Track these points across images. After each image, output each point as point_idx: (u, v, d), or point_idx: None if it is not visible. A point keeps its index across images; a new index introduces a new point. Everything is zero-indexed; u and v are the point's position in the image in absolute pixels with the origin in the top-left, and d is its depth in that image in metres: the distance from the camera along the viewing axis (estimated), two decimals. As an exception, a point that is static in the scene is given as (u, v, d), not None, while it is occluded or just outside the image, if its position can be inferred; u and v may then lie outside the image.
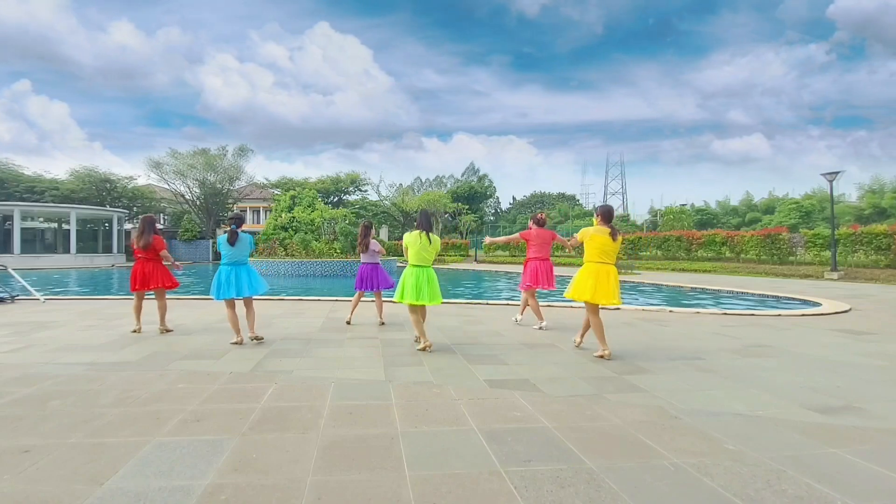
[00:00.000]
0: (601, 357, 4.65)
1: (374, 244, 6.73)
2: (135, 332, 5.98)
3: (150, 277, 6.06)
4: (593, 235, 4.71)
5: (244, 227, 5.68)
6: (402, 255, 5.93)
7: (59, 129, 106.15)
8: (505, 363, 4.52)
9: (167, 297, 6.33)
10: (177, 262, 6.48)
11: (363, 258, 6.82)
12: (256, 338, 5.38)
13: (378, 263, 6.86)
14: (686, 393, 3.61)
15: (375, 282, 6.71)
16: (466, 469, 2.32)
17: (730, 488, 2.15)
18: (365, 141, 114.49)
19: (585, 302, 4.76)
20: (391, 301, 6.18)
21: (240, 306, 5.47)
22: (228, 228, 5.44)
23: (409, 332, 6.10)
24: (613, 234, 4.68)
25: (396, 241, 41.63)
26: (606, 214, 4.81)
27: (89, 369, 4.23)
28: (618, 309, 8.47)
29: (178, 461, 2.38)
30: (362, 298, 6.99)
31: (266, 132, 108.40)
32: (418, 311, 5.10)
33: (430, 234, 5.07)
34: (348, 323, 6.66)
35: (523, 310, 6.89)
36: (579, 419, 3.03)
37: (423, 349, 4.96)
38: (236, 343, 5.25)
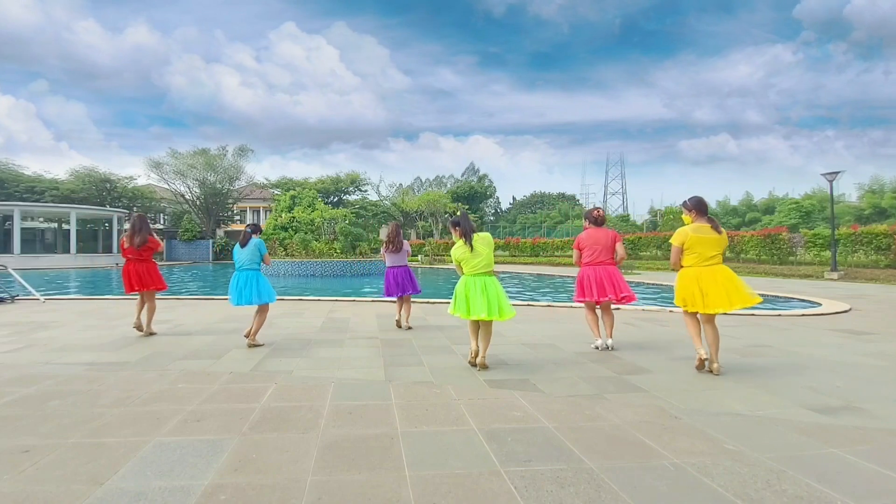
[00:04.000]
0: (702, 362, 4.10)
1: (406, 244, 6.46)
2: (145, 333, 5.83)
3: (147, 277, 5.88)
4: (692, 237, 4.00)
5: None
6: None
7: (76, 129, 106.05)
8: (505, 363, 4.52)
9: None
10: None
11: (390, 260, 6.45)
12: (254, 344, 5.19)
13: (407, 265, 6.55)
14: (686, 393, 3.61)
15: (408, 285, 6.39)
16: (466, 469, 2.32)
17: (730, 488, 2.15)
18: (381, 141, 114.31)
19: (686, 310, 4.15)
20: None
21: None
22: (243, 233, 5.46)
23: (410, 333, 6.10)
24: (716, 228, 3.99)
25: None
26: (700, 206, 4.07)
27: (89, 369, 4.23)
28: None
29: (178, 461, 2.38)
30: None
31: (282, 132, 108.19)
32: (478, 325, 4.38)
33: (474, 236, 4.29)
34: (409, 327, 6.30)
35: (596, 330, 5.22)
36: (579, 419, 3.03)
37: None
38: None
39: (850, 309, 8.62)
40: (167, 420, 2.96)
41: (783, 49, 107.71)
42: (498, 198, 66.51)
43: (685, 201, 4.19)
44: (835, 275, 16.42)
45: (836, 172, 17.22)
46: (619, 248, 5.10)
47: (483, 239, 4.26)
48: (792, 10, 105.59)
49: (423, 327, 6.50)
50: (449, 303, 4.49)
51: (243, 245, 5.38)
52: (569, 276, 18.83)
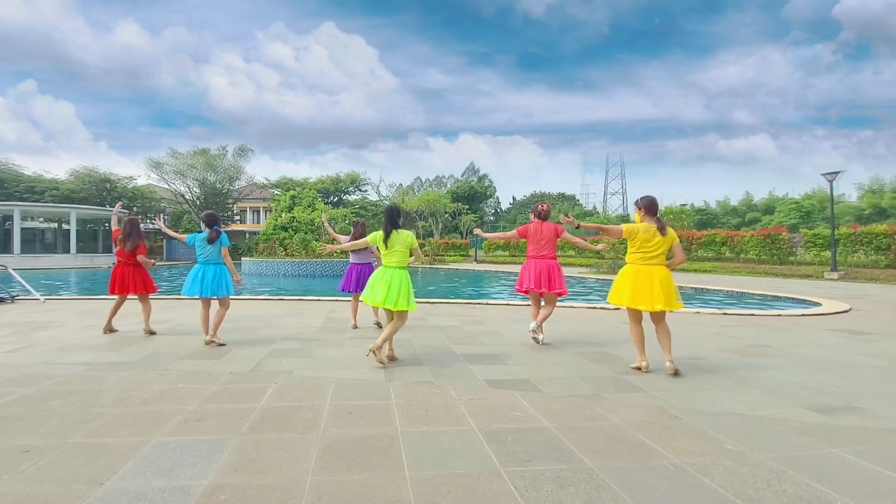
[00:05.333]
0: (637, 369, 4.22)
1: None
2: (107, 332, 5.98)
3: (132, 282, 6.07)
4: (641, 236, 4.13)
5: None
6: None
7: (65, 129, 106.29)
8: (505, 363, 4.52)
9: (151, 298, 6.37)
10: (152, 261, 6.42)
11: (354, 257, 6.57)
12: (213, 341, 5.21)
13: (371, 263, 6.55)
14: (686, 393, 3.61)
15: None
16: (466, 469, 2.32)
17: (730, 488, 2.15)
18: (370, 141, 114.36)
19: (627, 308, 4.27)
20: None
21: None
22: (210, 229, 5.40)
23: (410, 333, 6.10)
24: (662, 230, 4.07)
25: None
26: (650, 206, 4.16)
27: (89, 369, 4.23)
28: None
29: (178, 461, 2.38)
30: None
31: (271, 132, 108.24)
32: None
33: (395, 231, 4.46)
34: (355, 327, 6.36)
35: (539, 320, 5.42)
36: (579, 419, 3.03)
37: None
38: (206, 342, 5.29)
39: (850, 309, 8.62)
40: (167, 420, 2.96)
41: (772, 49, 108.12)
42: (498, 198, 66.54)
43: (637, 199, 4.29)
44: (835, 275, 16.41)
45: (836, 172, 17.21)
46: (573, 238, 5.52)
47: (401, 237, 4.42)
48: (780, 11, 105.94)
49: (423, 327, 6.50)
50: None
51: (212, 242, 5.40)
52: (569, 277, 18.84)
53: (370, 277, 4.55)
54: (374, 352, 4.26)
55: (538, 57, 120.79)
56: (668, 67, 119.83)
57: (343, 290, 6.54)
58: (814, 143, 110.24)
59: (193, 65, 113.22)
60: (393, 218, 4.45)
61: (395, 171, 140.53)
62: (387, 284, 4.30)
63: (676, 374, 4.03)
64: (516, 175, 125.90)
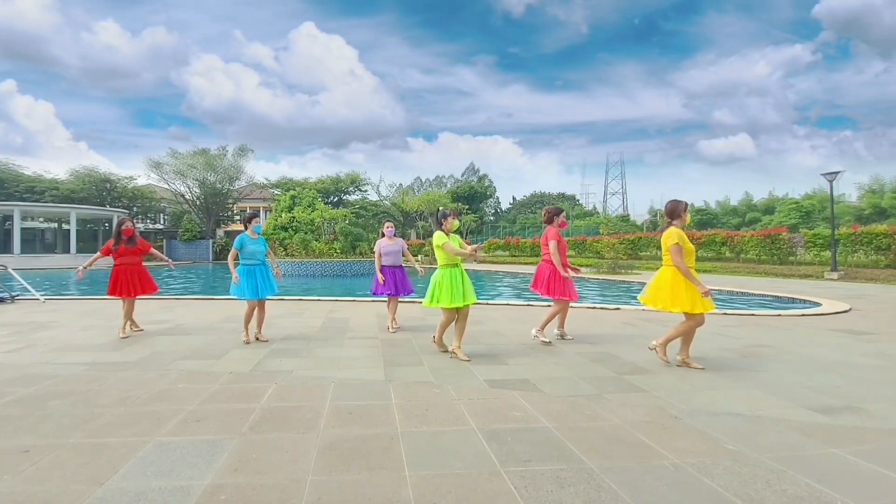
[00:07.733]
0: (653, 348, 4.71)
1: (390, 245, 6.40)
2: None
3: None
4: None
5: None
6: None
7: (45, 129, 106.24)
8: (505, 363, 4.51)
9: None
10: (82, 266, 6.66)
11: (386, 259, 6.41)
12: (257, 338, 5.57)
13: (402, 266, 6.47)
14: (686, 393, 3.61)
15: (403, 286, 6.34)
16: (466, 469, 2.32)
17: (730, 488, 2.15)
18: (350, 141, 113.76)
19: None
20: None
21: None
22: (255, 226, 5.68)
23: (410, 332, 6.10)
24: (660, 230, 4.44)
25: (396, 241, 41.66)
26: (666, 211, 4.41)
27: (89, 369, 4.23)
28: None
29: (178, 461, 2.38)
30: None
31: (251, 132, 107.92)
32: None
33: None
34: (394, 330, 6.18)
35: (561, 322, 5.73)
36: (579, 419, 3.03)
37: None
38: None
39: (851, 309, 8.62)
40: (167, 420, 2.96)
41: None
42: (498, 198, 66.50)
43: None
44: (835, 275, 16.41)
45: (836, 172, 17.20)
46: (551, 245, 5.46)
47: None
48: (760, 11, 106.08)
49: (423, 327, 6.50)
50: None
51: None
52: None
53: (447, 282, 4.77)
54: (454, 352, 4.74)
55: (518, 57, 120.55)
56: (647, 67, 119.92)
57: (377, 294, 6.42)
58: (793, 142, 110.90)
59: (173, 65, 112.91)
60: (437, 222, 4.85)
61: (375, 171, 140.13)
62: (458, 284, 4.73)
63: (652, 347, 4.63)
64: (497, 175, 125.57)
